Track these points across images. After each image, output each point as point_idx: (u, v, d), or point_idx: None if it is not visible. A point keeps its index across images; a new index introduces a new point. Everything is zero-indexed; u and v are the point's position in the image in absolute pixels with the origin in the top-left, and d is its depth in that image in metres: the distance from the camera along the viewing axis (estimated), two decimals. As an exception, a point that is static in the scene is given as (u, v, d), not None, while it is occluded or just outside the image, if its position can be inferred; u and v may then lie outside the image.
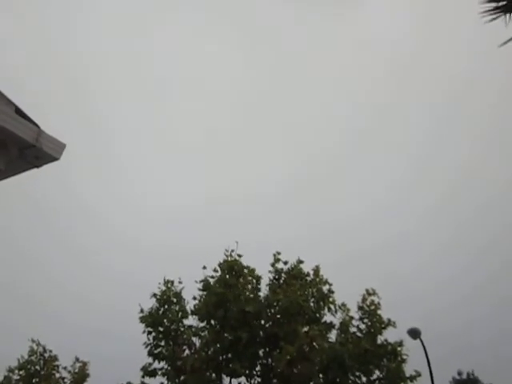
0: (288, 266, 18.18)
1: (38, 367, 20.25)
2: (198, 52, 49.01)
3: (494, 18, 6.77)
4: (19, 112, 4.98)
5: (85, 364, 20.52)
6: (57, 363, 20.55)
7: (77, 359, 20.62)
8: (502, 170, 38.37)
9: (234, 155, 46.16)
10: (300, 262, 18.22)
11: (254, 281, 17.91)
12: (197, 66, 49.10)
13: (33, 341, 20.54)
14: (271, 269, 18.21)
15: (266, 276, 18.22)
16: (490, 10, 6.74)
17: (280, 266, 18.20)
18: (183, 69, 49.90)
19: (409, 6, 44.17)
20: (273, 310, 17.24)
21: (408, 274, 31.92)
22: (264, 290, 17.92)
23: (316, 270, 18.14)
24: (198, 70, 48.53)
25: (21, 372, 20.18)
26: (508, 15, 6.75)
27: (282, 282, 17.87)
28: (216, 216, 37.41)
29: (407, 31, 46.20)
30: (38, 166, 5.29)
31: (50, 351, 20.64)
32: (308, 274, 18.11)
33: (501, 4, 6.72)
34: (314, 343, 15.78)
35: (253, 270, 17.91)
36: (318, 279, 17.98)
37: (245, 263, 17.93)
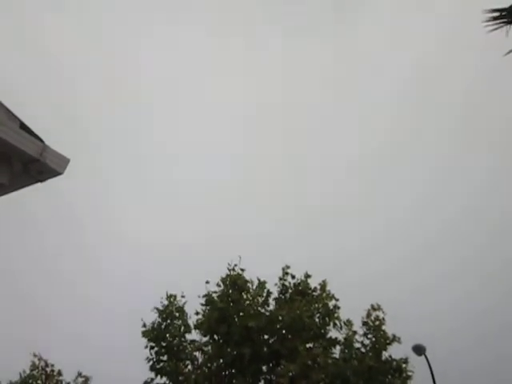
0: (295, 280, 18.13)
1: (39, 382, 20.15)
2: (198, 57, 49.30)
3: (497, 28, 6.80)
4: (24, 127, 5.01)
5: (87, 379, 20.46)
6: (59, 378, 20.45)
7: (79, 374, 20.55)
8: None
9: (233, 171, 46.13)
10: (308, 276, 18.15)
11: (264, 294, 17.78)
12: (197, 72, 49.28)
13: (35, 355, 20.50)
14: (278, 283, 18.16)
15: (273, 289, 18.18)
16: (493, 20, 6.78)
17: (288, 279, 18.15)
18: (183, 74, 50.10)
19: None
20: (278, 326, 17.12)
21: (411, 296, 31.62)
22: (270, 305, 17.83)
23: (323, 285, 18.05)
24: (198, 76, 48.73)
25: (22, 387, 20.10)
26: (510, 26, 6.78)
27: (288, 296, 17.79)
28: (218, 252, 37.11)
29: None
30: (41, 181, 5.30)
31: (52, 365, 20.57)
32: (315, 289, 18.02)
33: (503, 14, 6.76)
34: (318, 360, 15.60)
35: (264, 283, 17.80)
36: (324, 294, 17.87)
37: (248, 277, 17.87)
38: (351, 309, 18.22)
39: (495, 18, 6.86)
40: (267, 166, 46.69)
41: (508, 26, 6.88)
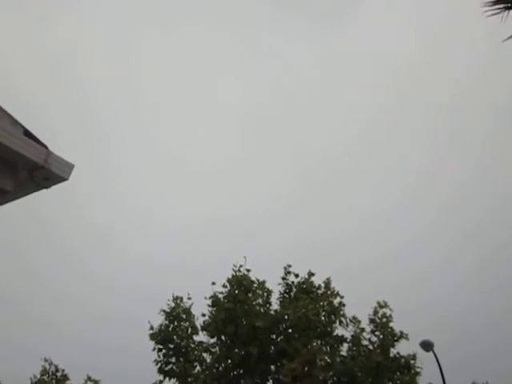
0: (299, 278, 18.14)
1: (50, 387, 20.24)
2: (199, 65, 49.57)
3: (495, 14, 6.74)
4: (28, 134, 5.03)
5: (96, 382, 20.49)
6: (68, 382, 20.53)
7: (88, 378, 20.59)
8: (501, 182, 38.23)
9: (233, 169, 46.43)
10: (311, 274, 18.15)
11: (265, 294, 17.80)
12: (198, 75, 49.59)
13: (45, 360, 20.57)
14: (281, 282, 18.17)
15: (275, 289, 18.21)
16: (492, 4, 6.72)
17: (291, 278, 18.18)
18: (185, 75, 50.36)
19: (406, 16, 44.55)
20: (284, 325, 17.12)
21: (415, 283, 31.68)
22: (275, 304, 17.87)
23: (327, 283, 18.04)
24: (199, 79, 49.05)
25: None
26: (507, 12, 6.71)
27: (292, 295, 17.79)
28: (218, 233, 37.44)
29: (404, 41, 46.53)
30: (46, 187, 5.31)
31: (63, 370, 20.65)
32: (319, 287, 18.02)
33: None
34: (318, 357, 15.53)
35: (263, 283, 17.81)
36: (329, 292, 17.87)
37: (253, 277, 17.89)
38: (351, 295, 18.32)
39: (494, 3, 6.79)
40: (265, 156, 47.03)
41: (507, 11, 6.81)
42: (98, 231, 38.57)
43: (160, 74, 49.68)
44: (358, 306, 17.80)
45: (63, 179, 5.25)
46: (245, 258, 17.92)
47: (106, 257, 36.21)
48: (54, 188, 5.41)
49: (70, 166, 5.25)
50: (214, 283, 17.78)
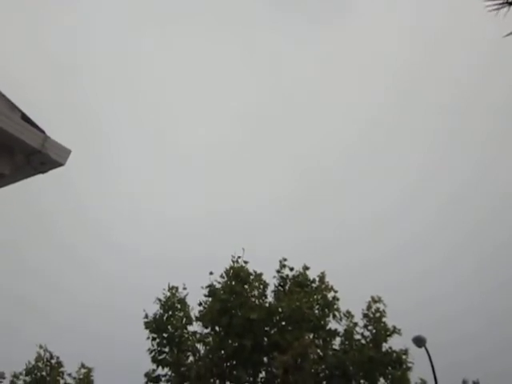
0: (294, 272, 18.24)
1: (44, 373, 20.32)
2: (199, 61, 49.49)
3: (498, 8, 6.74)
4: (25, 118, 5.06)
5: (89, 370, 20.57)
6: (62, 369, 20.62)
7: (82, 365, 20.67)
8: (501, 182, 38.25)
9: (233, 169, 46.40)
10: (306, 268, 18.23)
11: (261, 286, 17.89)
12: (198, 75, 49.49)
13: (40, 347, 20.63)
14: (276, 275, 18.27)
15: (272, 284, 18.30)
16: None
17: (286, 272, 18.28)
18: (185, 75, 50.24)
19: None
20: (278, 318, 17.22)
21: (412, 283, 31.76)
22: (270, 297, 17.95)
23: (321, 277, 18.14)
24: (199, 79, 48.95)
25: (26, 377, 20.29)
26: (507, 8, 6.70)
27: (287, 288, 17.89)
28: (216, 228, 37.44)
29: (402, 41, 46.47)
30: (43, 172, 5.34)
31: (57, 357, 20.72)
32: (313, 281, 18.12)
33: None
34: (310, 351, 15.62)
35: (260, 275, 17.89)
36: (323, 286, 17.97)
37: (251, 270, 17.96)
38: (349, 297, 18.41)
39: None
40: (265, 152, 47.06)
41: (507, 7, 6.80)
42: (98, 231, 38.60)
43: (160, 73, 49.57)
44: (357, 306, 17.92)
45: (60, 164, 5.27)
46: (243, 249, 18.00)
47: (106, 256, 36.22)
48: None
49: (67, 151, 5.28)
50: (211, 273, 17.89)
